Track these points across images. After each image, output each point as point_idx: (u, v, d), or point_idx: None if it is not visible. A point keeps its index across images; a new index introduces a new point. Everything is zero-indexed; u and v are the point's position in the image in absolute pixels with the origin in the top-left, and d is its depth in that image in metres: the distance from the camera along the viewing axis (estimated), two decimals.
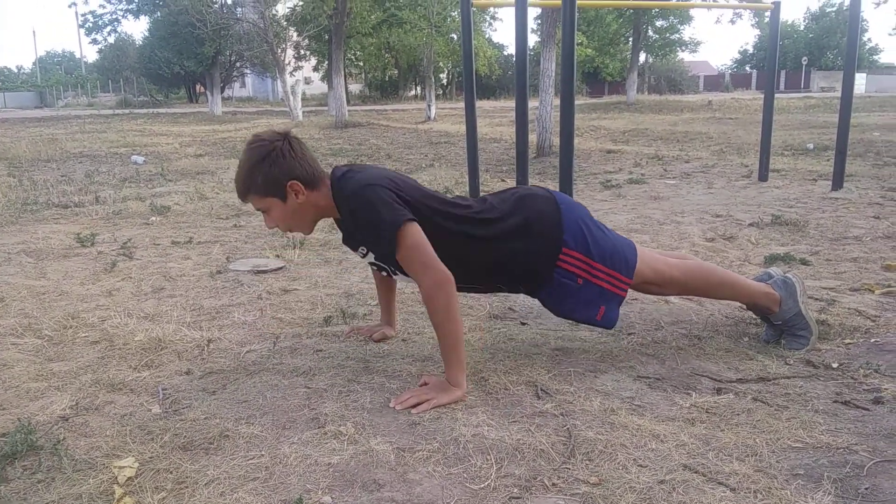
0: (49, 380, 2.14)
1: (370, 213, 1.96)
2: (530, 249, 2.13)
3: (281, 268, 3.53)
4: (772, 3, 6.20)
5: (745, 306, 2.55)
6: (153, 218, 5.03)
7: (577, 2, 3.96)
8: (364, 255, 2.21)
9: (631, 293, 2.96)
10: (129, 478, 1.59)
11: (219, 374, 2.18)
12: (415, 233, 1.96)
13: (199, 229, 4.62)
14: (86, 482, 1.57)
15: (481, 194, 2.39)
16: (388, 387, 2.06)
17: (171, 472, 1.60)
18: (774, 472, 1.55)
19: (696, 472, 1.55)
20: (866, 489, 1.47)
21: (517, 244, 2.12)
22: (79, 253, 3.91)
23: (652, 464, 1.60)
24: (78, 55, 67.85)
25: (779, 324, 2.38)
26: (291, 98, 21.03)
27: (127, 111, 28.86)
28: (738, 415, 1.85)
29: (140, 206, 5.52)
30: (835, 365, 2.20)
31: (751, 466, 1.57)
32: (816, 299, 2.84)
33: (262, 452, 1.68)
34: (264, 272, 3.43)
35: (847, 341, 2.42)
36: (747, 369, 2.18)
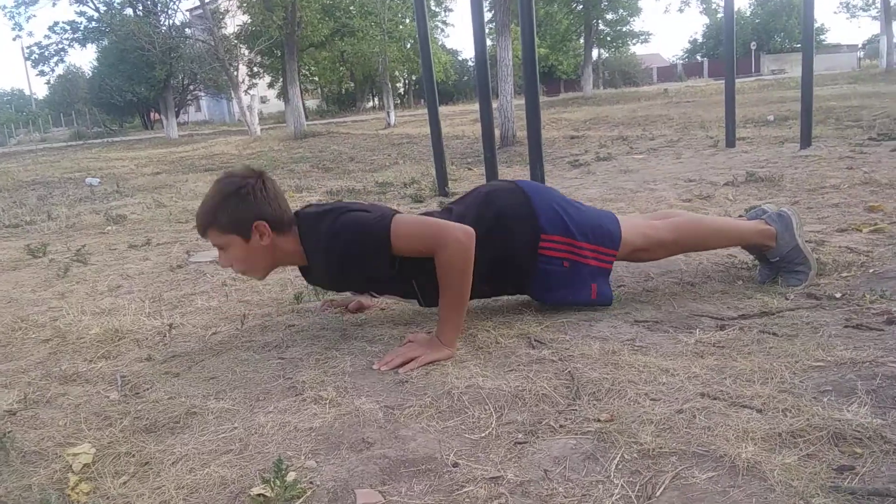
0: None
1: (350, 235, 1.82)
2: (508, 247, 2.01)
3: None
4: None
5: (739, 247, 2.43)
6: (109, 227, 4.80)
7: None
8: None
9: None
10: (86, 465, 1.40)
11: (183, 356, 1.99)
12: (404, 219, 1.84)
13: (157, 233, 4.40)
14: (36, 473, 1.38)
15: (446, 203, 2.29)
16: (370, 350, 1.89)
17: (132, 455, 1.42)
18: (800, 391, 1.42)
19: (715, 399, 1.41)
20: None
21: (494, 246, 1.97)
22: (30, 264, 3.67)
23: (665, 396, 1.46)
24: (27, 92, 66.52)
25: (776, 260, 2.26)
26: (248, 114, 20.71)
27: (81, 142, 28.21)
28: (747, 345, 1.72)
29: (95, 219, 5.27)
30: (838, 295, 2.08)
31: (774, 388, 1.44)
32: (806, 241, 2.74)
33: (236, 425, 1.50)
34: None
35: (844, 275, 2.31)
36: (747, 307, 2.06)
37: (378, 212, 1.87)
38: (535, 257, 2.02)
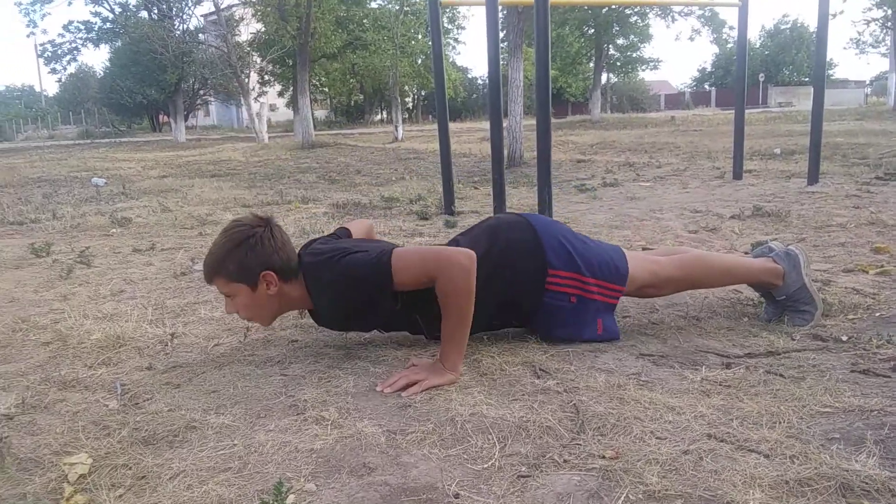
0: None
1: (352, 279, 1.82)
2: (515, 282, 2.00)
3: None
4: (739, 0, 6.21)
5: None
6: (114, 230, 4.79)
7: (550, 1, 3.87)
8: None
9: None
10: (82, 475, 1.38)
11: (184, 367, 1.98)
12: (402, 251, 1.84)
13: (162, 238, 4.39)
14: (31, 481, 1.37)
15: (452, 234, 2.29)
16: (374, 371, 1.88)
17: (129, 468, 1.40)
18: (808, 437, 1.40)
19: (722, 441, 1.40)
20: None
21: (501, 281, 1.98)
22: (33, 263, 3.67)
23: (672, 435, 1.44)
24: (38, 89, 66.66)
25: (782, 298, 2.25)
26: (257, 121, 20.82)
27: (88, 141, 28.27)
28: (754, 386, 1.71)
29: (100, 220, 5.27)
30: (844, 338, 2.07)
31: (781, 433, 1.42)
32: (812, 281, 2.73)
33: (235, 442, 1.49)
34: None
35: (850, 317, 2.30)
36: (753, 345, 2.05)
37: (377, 250, 1.87)
38: (542, 292, 2.01)
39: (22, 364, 2.05)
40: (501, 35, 15.40)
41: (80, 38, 26.82)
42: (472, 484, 1.29)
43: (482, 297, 1.88)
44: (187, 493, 1.30)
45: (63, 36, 27.30)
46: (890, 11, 25.15)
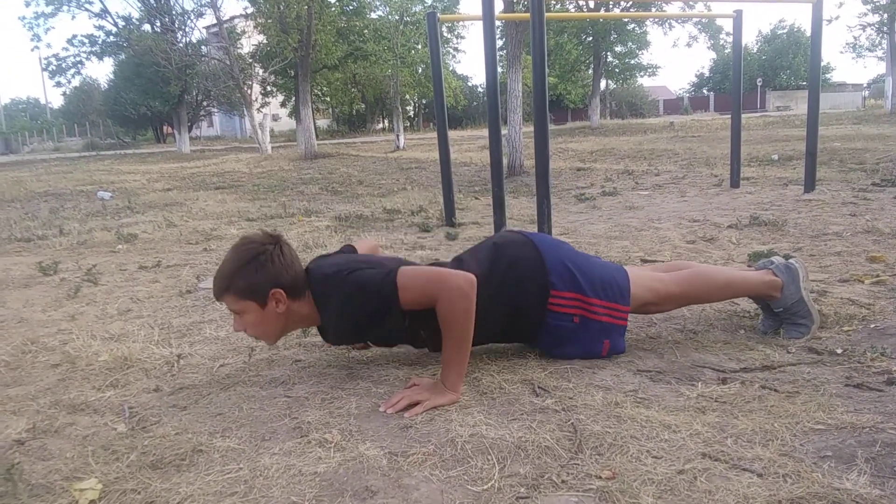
0: (4, 404, 1.96)
1: (360, 295, 1.86)
2: (519, 301, 2.04)
3: None
4: (734, 11, 6.26)
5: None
6: (120, 246, 4.84)
7: (546, 15, 3.92)
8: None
9: None
10: (92, 500, 1.42)
11: (190, 389, 2.02)
12: (407, 270, 1.87)
13: (167, 254, 4.44)
14: None
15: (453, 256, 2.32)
16: (375, 391, 1.91)
17: (138, 493, 1.44)
18: (800, 455, 1.44)
19: (716, 460, 1.43)
20: None
21: (504, 299, 2.02)
22: (41, 281, 3.71)
23: (667, 454, 1.47)
24: (43, 101, 66.90)
25: (780, 311, 2.29)
26: (260, 132, 20.91)
27: (94, 153, 28.36)
28: (749, 402, 1.74)
29: (106, 236, 5.31)
30: (839, 351, 2.10)
31: (774, 451, 1.46)
32: (810, 293, 2.76)
33: (241, 466, 1.52)
34: None
35: (846, 328, 2.33)
36: (749, 359, 2.08)
37: (384, 267, 1.90)
38: (545, 312, 2.04)
39: (32, 387, 2.09)
40: (500, 43, 15.45)
41: (84, 52, 26.90)
42: None
43: (488, 313, 1.92)
44: None
45: (67, 49, 27.41)
46: (886, 16, 25.19)
